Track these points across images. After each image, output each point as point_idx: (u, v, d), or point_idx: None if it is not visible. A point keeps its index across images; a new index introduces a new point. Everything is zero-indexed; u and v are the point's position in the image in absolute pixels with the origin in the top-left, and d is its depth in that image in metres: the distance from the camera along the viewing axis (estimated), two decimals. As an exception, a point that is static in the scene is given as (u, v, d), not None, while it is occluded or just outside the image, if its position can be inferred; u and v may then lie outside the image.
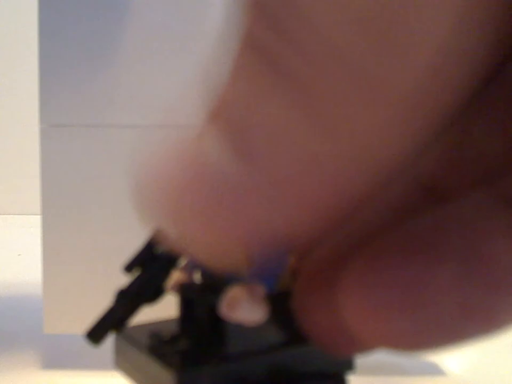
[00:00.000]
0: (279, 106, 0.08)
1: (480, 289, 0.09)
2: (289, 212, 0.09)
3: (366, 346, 0.11)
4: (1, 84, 0.78)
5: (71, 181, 0.29)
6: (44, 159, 0.29)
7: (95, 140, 0.29)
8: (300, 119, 0.08)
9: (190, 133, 0.11)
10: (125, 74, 0.29)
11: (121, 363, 0.23)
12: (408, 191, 0.11)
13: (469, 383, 0.30)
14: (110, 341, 0.24)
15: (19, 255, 0.54)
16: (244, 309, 0.13)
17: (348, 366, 0.23)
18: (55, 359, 0.31)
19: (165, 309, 0.30)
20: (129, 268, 0.18)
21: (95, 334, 0.18)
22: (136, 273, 0.18)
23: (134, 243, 0.31)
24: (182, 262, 0.17)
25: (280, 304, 0.25)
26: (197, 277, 0.17)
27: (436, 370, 0.30)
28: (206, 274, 0.18)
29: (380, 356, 0.32)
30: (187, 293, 0.19)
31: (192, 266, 0.17)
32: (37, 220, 0.32)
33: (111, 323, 0.18)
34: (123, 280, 0.31)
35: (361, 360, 0.24)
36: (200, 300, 0.18)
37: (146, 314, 0.30)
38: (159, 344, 0.21)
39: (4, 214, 0.76)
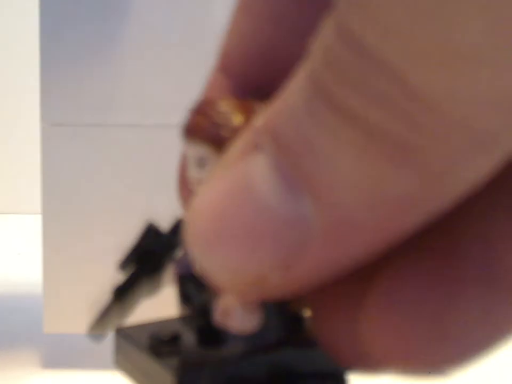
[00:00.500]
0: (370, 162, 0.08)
1: (507, 302, 0.09)
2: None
3: (382, 368, 0.11)
4: (1, 83, 0.78)
5: (72, 180, 0.29)
6: (44, 158, 0.29)
7: (96, 139, 0.29)
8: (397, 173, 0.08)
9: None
10: (127, 73, 0.29)
11: (121, 363, 0.23)
12: None
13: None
14: (110, 340, 0.24)
15: (19, 254, 0.54)
16: (237, 317, 0.13)
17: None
18: (55, 358, 0.31)
19: (165, 309, 0.30)
20: (124, 265, 0.18)
21: (95, 330, 0.18)
22: (131, 269, 0.18)
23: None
24: (178, 254, 0.17)
25: (279, 308, 0.25)
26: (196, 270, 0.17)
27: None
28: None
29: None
30: (185, 287, 0.18)
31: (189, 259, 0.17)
32: (37, 220, 0.32)
33: (110, 319, 0.18)
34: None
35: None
36: (198, 294, 0.18)
37: (146, 315, 0.30)
38: (159, 344, 0.21)
39: (4, 213, 0.76)
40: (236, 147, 0.10)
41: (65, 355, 0.32)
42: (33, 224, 0.41)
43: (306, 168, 0.09)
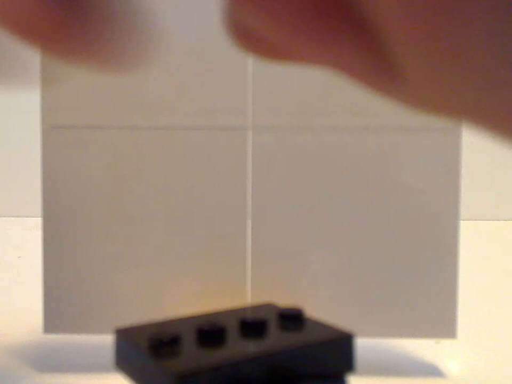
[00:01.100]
0: None
1: None
2: None
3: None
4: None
5: (72, 183, 0.30)
6: (45, 161, 0.30)
7: (97, 142, 0.30)
8: None
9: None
10: (128, 75, 0.29)
11: (121, 364, 0.23)
12: None
13: (468, 384, 0.30)
14: (110, 341, 0.24)
15: (19, 257, 0.54)
16: None
17: (348, 367, 0.23)
18: (55, 359, 0.31)
19: (165, 309, 0.30)
20: None
21: None
22: None
23: (134, 245, 0.31)
24: None
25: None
26: None
27: (435, 372, 0.30)
28: None
29: (380, 357, 0.32)
30: None
31: None
32: (37, 222, 0.32)
33: None
34: (123, 282, 0.31)
35: (361, 361, 0.24)
36: None
37: (146, 315, 0.30)
38: (159, 345, 0.21)
39: (4, 216, 0.76)
40: None
41: (64, 356, 0.32)
42: (33, 227, 0.41)
43: None
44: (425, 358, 0.32)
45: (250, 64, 0.29)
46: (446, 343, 0.31)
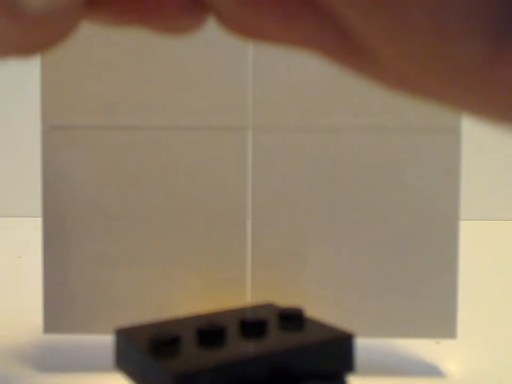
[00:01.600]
0: None
1: None
2: None
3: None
4: (2, 85, 0.78)
5: (72, 183, 0.30)
6: (45, 161, 0.30)
7: (97, 142, 0.30)
8: None
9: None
10: (128, 75, 0.29)
11: (121, 364, 0.23)
12: None
13: (468, 385, 0.30)
14: (110, 341, 0.24)
15: (19, 257, 0.54)
16: None
17: (348, 367, 0.23)
18: (55, 359, 0.31)
19: (165, 309, 0.30)
20: None
21: None
22: None
23: (134, 245, 0.31)
24: None
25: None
26: None
27: (435, 372, 0.30)
28: None
29: (380, 357, 0.32)
30: None
31: None
32: (37, 222, 0.32)
33: None
34: (123, 282, 0.31)
35: (361, 361, 0.24)
36: None
37: (146, 315, 0.30)
38: (159, 346, 0.21)
39: (4, 216, 0.76)
40: None
41: (64, 356, 0.32)
42: (33, 227, 0.41)
43: None
44: (425, 358, 0.32)
45: (251, 64, 0.29)
46: (446, 343, 0.31)
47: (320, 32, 0.11)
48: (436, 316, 0.30)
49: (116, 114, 0.29)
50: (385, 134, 0.30)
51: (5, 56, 0.11)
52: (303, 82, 0.30)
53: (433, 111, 0.29)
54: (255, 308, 0.27)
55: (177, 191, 0.30)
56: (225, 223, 0.30)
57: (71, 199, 0.30)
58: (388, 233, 0.30)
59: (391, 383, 0.29)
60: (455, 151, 0.30)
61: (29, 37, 0.11)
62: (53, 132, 0.29)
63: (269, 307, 0.27)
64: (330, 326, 0.24)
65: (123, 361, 0.23)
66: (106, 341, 0.26)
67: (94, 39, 0.29)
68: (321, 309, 0.30)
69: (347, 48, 0.11)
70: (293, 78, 0.30)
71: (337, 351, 0.22)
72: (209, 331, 0.22)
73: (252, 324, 0.23)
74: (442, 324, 0.30)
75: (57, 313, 0.30)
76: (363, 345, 0.26)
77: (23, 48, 0.11)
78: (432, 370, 0.31)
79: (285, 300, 0.29)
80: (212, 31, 0.13)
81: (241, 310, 0.26)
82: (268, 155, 0.30)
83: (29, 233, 0.46)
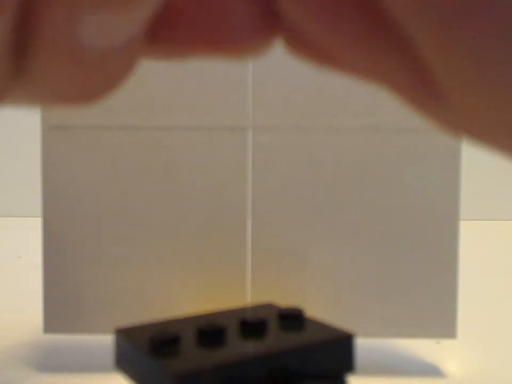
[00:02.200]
0: None
1: None
2: None
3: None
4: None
5: (72, 183, 0.30)
6: (45, 161, 0.30)
7: (97, 142, 0.30)
8: None
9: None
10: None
11: (121, 364, 0.23)
12: None
13: (468, 384, 0.30)
14: (110, 341, 0.24)
15: (19, 257, 0.54)
16: None
17: (349, 367, 0.23)
18: (55, 359, 0.31)
19: (165, 309, 0.30)
20: None
21: None
22: None
23: (133, 246, 0.31)
24: None
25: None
26: None
27: (436, 372, 0.30)
28: None
29: (380, 357, 0.32)
30: None
31: None
32: (37, 222, 0.32)
33: None
34: (123, 282, 0.31)
35: (361, 362, 0.24)
36: None
37: (147, 315, 0.30)
38: (159, 346, 0.21)
39: (4, 216, 0.76)
40: None
41: (64, 357, 0.32)
42: (33, 227, 0.41)
43: None
44: (426, 358, 0.32)
45: (251, 65, 0.29)
46: (446, 343, 0.31)
47: (395, 66, 0.10)
48: (436, 316, 0.30)
49: (116, 114, 0.29)
50: (385, 134, 0.30)
51: (66, 103, 0.11)
52: (303, 82, 0.30)
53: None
54: (255, 308, 0.27)
55: (177, 191, 0.30)
56: (225, 223, 0.30)
57: (71, 199, 0.30)
58: (387, 233, 0.30)
59: (391, 383, 0.29)
60: (455, 151, 0.30)
61: (90, 79, 0.10)
62: (53, 132, 0.29)
63: (269, 307, 0.27)
64: (330, 326, 0.24)
65: (123, 361, 0.23)
66: (106, 341, 0.26)
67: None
68: (321, 309, 0.30)
69: (421, 88, 0.10)
70: (293, 78, 0.30)
71: (337, 351, 0.22)
72: (209, 331, 0.22)
73: (252, 324, 0.23)
74: (442, 324, 0.30)
75: (57, 313, 0.30)
76: (363, 345, 0.26)
77: (84, 93, 0.11)
78: (432, 371, 0.31)
79: (285, 300, 0.29)
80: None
81: (241, 310, 0.26)
82: (268, 155, 0.30)
83: (29, 233, 0.46)
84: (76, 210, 0.30)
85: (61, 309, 0.30)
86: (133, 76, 0.12)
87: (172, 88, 0.29)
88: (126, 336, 0.23)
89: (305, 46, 0.11)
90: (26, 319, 0.36)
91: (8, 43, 0.09)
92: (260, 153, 0.30)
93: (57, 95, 0.10)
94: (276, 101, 0.30)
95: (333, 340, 0.22)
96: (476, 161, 0.75)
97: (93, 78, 0.10)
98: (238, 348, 0.21)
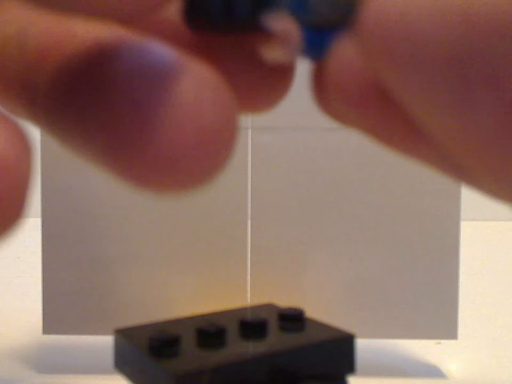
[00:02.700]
0: None
1: None
2: None
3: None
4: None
5: (71, 183, 0.29)
6: (44, 161, 0.29)
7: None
8: None
9: None
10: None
11: (121, 364, 0.23)
12: None
13: (469, 385, 0.29)
14: (110, 342, 0.24)
15: (19, 257, 0.54)
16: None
17: (349, 367, 0.23)
18: (55, 360, 0.31)
19: (165, 309, 0.30)
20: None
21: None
22: None
23: (133, 246, 0.31)
24: None
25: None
26: None
27: (436, 373, 0.30)
28: None
29: (380, 358, 0.32)
30: None
31: None
32: (37, 222, 0.32)
33: None
34: (123, 282, 0.31)
35: (361, 362, 0.24)
36: None
37: (146, 315, 0.30)
38: (159, 346, 0.21)
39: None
40: None
41: (63, 357, 0.32)
42: (32, 227, 0.41)
43: None
44: (426, 359, 0.32)
45: (251, 64, 0.29)
46: (447, 343, 0.31)
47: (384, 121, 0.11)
48: (437, 316, 0.30)
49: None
50: (385, 134, 0.29)
51: (106, 16, 0.10)
52: (303, 82, 0.29)
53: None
54: (255, 308, 0.27)
55: (177, 191, 0.30)
56: (225, 223, 0.30)
57: (70, 199, 0.29)
58: (388, 233, 0.30)
59: (391, 383, 0.29)
60: (455, 151, 0.29)
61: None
62: (52, 131, 0.29)
63: (269, 307, 0.27)
64: (331, 327, 0.24)
65: (123, 362, 0.23)
66: (106, 341, 0.26)
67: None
68: (321, 309, 0.30)
69: (402, 131, 0.11)
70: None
71: (337, 351, 0.22)
72: (209, 331, 0.22)
73: (252, 324, 0.23)
74: (443, 324, 0.30)
75: (57, 314, 0.30)
76: (363, 345, 0.26)
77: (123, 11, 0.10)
78: (433, 371, 0.31)
79: (285, 300, 0.29)
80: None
81: (241, 310, 0.26)
82: (268, 155, 0.30)
83: (28, 233, 0.46)
84: (75, 210, 0.30)
85: (60, 309, 0.30)
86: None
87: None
88: (126, 336, 0.23)
89: (339, 118, 0.12)
90: (25, 320, 0.36)
91: None
92: (260, 153, 0.30)
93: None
94: (276, 101, 0.29)
95: (333, 340, 0.22)
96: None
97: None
98: (238, 348, 0.21)
